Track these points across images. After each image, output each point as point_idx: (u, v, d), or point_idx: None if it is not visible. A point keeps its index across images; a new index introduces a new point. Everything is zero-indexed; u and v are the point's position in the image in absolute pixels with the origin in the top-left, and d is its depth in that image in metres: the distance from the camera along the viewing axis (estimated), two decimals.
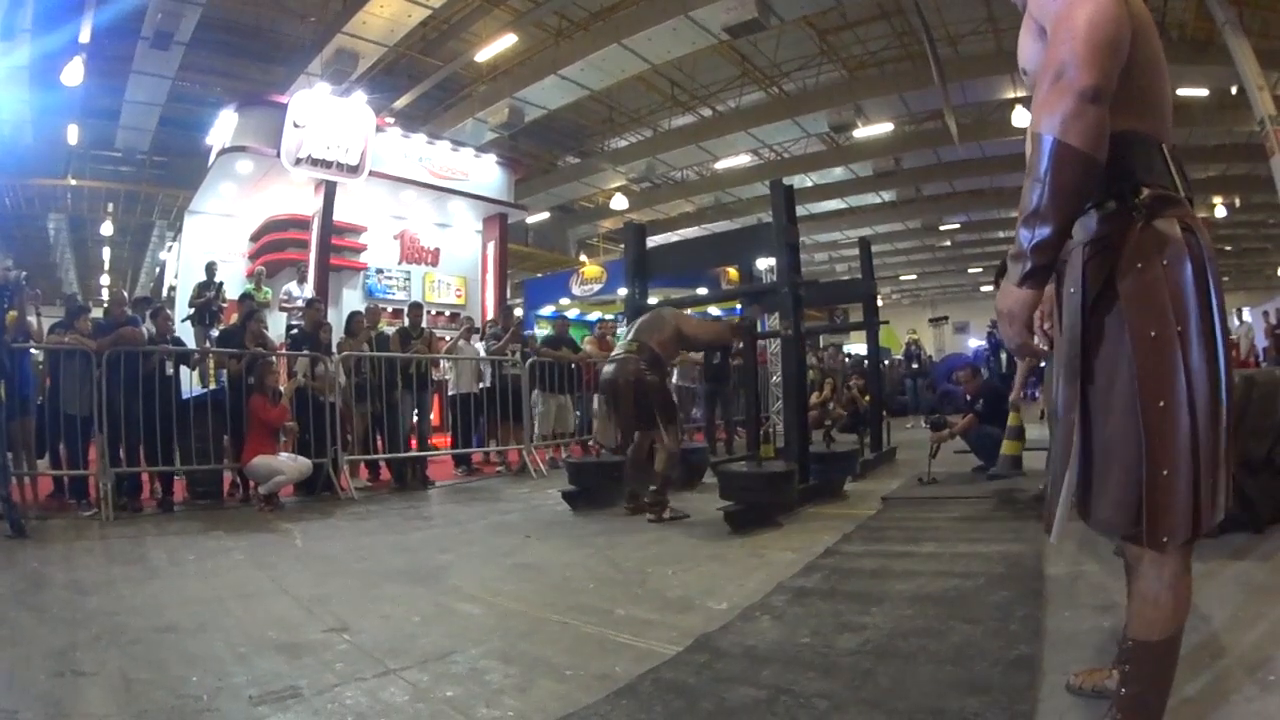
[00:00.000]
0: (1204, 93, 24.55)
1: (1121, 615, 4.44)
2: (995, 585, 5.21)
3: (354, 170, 20.64)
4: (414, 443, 13.49)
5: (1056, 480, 2.87)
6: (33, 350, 11.00)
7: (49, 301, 21.48)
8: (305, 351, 12.54)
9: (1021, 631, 4.59)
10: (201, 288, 18.40)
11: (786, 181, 10.52)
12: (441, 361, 15.66)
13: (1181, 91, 24.43)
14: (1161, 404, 2.53)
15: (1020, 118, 25.86)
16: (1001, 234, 42.92)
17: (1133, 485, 2.58)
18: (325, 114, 20.39)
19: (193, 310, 18.21)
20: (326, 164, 20.15)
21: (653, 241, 12.52)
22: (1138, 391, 2.56)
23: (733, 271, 22.41)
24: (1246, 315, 30.90)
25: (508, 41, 23.99)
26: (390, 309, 21.31)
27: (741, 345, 12.40)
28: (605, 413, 9.87)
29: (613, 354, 9.97)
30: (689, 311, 11.61)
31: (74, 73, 20.44)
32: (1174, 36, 22.57)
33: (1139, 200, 2.65)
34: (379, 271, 23.47)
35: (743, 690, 4.07)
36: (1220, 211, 36.69)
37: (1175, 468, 2.51)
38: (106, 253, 44.42)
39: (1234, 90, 21.68)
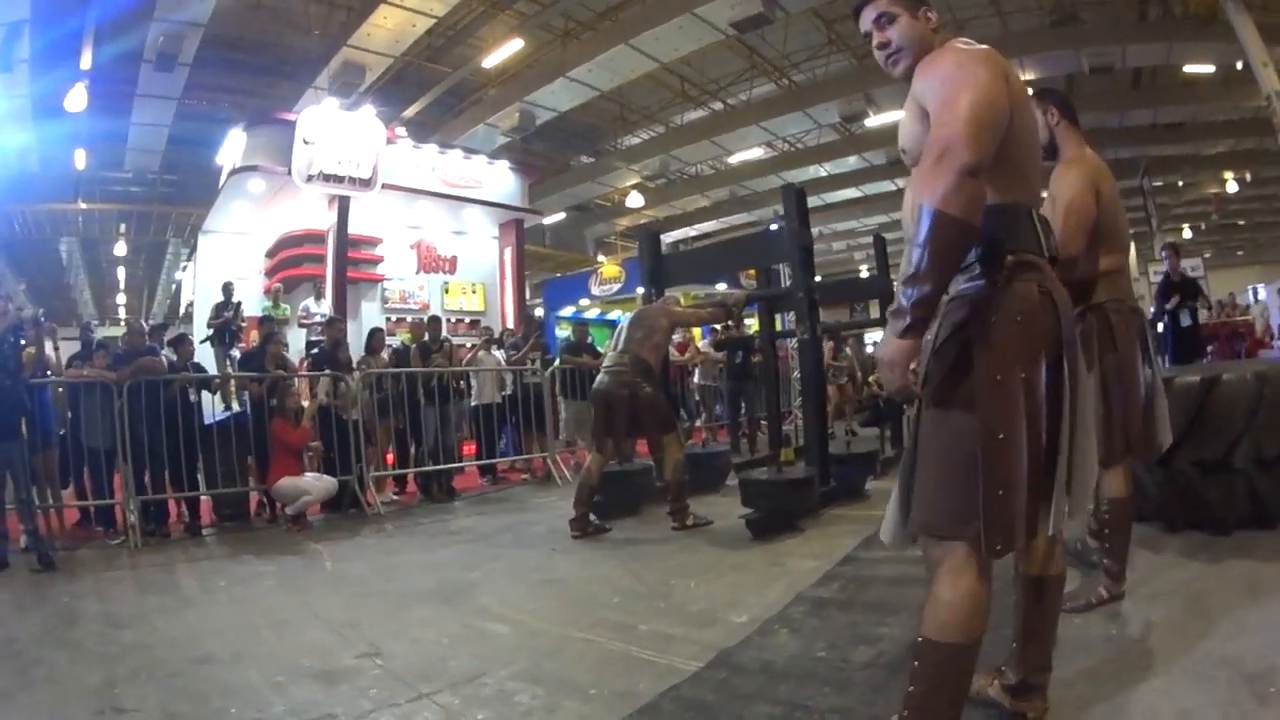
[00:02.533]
0: (1210, 69, 24.40)
1: (1128, 621, 4.58)
2: (1010, 590, 5.31)
3: (366, 184, 20.75)
4: (439, 455, 13.45)
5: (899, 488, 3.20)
6: (52, 379, 11.03)
7: (65, 323, 21.56)
8: (326, 371, 12.58)
9: None
10: (219, 308, 18.46)
11: (800, 173, 10.54)
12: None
13: (1188, 68, 24.65)
14: (1001, 436, 2.84)
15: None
16: None
17: (961, 497, 2.88)
18: (335, 129, 20.50)
19: (211, 331, 18.29)
20: (339, 179, 20.24)
21: (670, 237, 12.62)
22: (979, 424, 2.87)
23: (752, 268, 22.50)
24: (1262, 293, 30.73)
25: (515, 46, 23.94)
26: (409, 318, 21.35)
27: (759, 343, 12.46)
28: (598, 423, 9.72)
29: (604, 363, 9.86)
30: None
31: (77, 99, 20.50)
32: (1177, 13, 22.49)
33: (999, 266, 2.98)
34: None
35: (759, 707, 4.15)
36: (1232, 187, 36.60)
37: (1011, 489, 2.84)
38: (121, 272, 44.44)
39: (1239, 66, 21.59)
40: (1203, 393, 6.52)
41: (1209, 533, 6.37)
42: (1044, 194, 4.03)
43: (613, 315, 30.28)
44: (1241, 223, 46.90)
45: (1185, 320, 14.77)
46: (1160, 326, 16.18)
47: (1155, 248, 36.27)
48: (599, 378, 9.67)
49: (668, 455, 9.36)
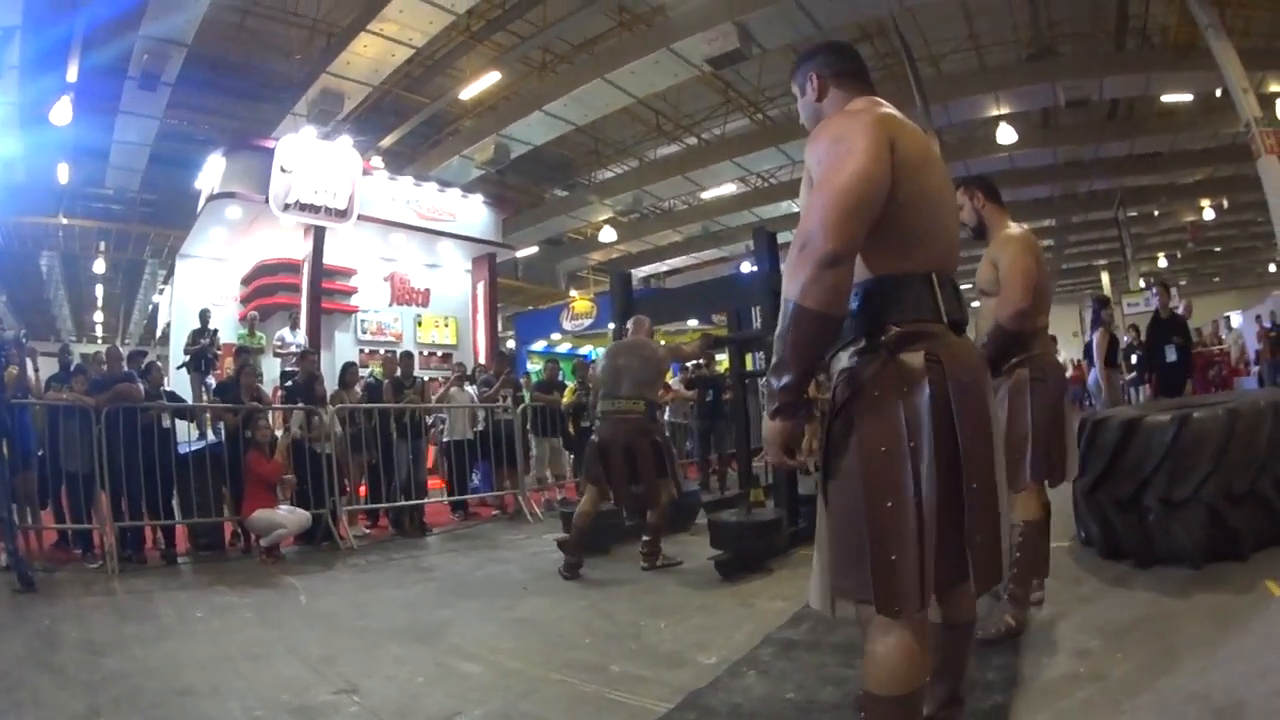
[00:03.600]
0: (1189, 97, 24.62)
1: (1097, 659, 4.72)
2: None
3: (342, 214, 20.87)
4: (411, 490, 13.50)
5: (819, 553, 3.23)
6: (31, 401, 11.06)
7: (44, 338, 21.50)
8: (299, 404, 12.66)
9: (998, 680, 4.71)
10: (196, 335, 18.49)
11: (773, 208, 10.67)
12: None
13: (1166, 98, 24.84)
14: (889, 504, 2.92)
15: (1005, 134, 26.11)
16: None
17: (860, 563, 2.94)
18: (312, 158, 20.62)
19: (188, 358, 18.31)
20: (315, 209, 20.36)
21: (642, 271, 12.67)
22: (863, 494, 2.96)
23: None
24: (1236, 321, 30.84)
25: (492, 79, 23.99)
26: (383, 349, 21.39)
27: (730, 381, 12.53)
28: (602, 467, 9.34)
29: (608, 406, 9.54)
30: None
31: (62, 112, 20.41)
32: (1156, 42, 22.76)
33: (885, 339, 3.06)
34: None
35: None
36: (1209, 214, 36.72)
37: (902, 553, 2.88)
38: (99, 290, 44.00)
39: (1218, 93, 21.76)
40: (1174, 430, 6.70)
41: (1181, 568, 6.51)
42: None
43: (584, 350, 30.42)
44: (1218, 249, 47.05)
45: (1171, 356, 14.97)
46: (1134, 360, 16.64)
47: (1130, 278, 36.49)
48: (608, 421, 9.48)
49: (661, 498, 9.33)
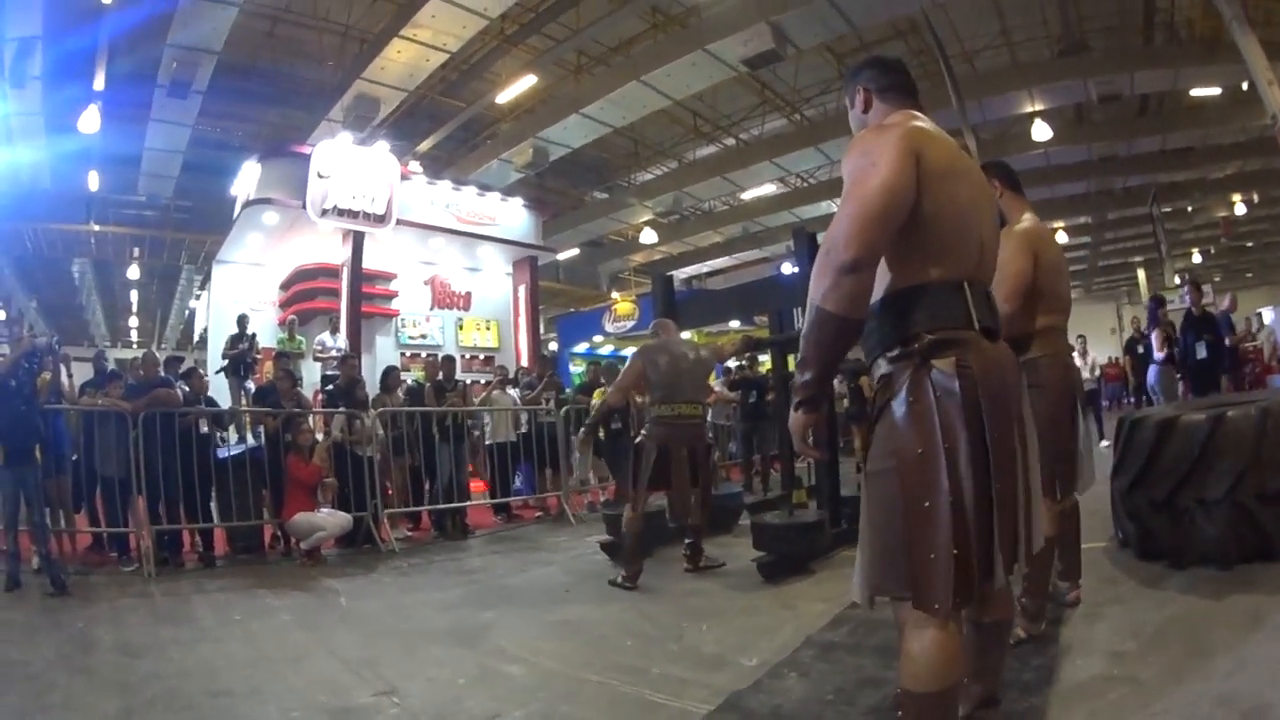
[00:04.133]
0: (1216, 92, 24.49)
1: (1130, 662, 4.70)
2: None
3: (381, 220, 20.78)
4: (454, 493, 13.45)
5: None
6: (65, 406, 11.08)
7: (77, 343, 21.52)
8: (341, 409, 12.64)
9: (1034, 681, 4.74)
10: (234, 339, 18.47)
11: (813, 209, 10.55)
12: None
13: (1195, 92, 24.74)
14: (926, 504, 3.04)
15: (1039, 131, 26.03)
16: None
17: (898, 561, 3.09)
18: (349, 163, 20.55)
19: (226, 362, 18.33)
20: (353, 214, 20.27)
21: (683, 273, 12.52)
22: (900, 495, 3.10)
23: None
24: (1268, 317, 30.51)
25: (528, 82, 23.96)
26: (424, 353, 21.39)
27: (772, 383, 12.41)
28: (664, 472, 9.04)
29: (666, 412, 9.14)
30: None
31: (90, 120, 20.41)
32: (1183, 37, 22.71)
33: (918, 346, 3.20)
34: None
35: None
36: (1240, 209, 36.49)
37: (939, 551, 2.99)
38: (134, 296, 44.31)
39: (1245, 86, 21.58)
40: (1208, 430, 6.61)
41: (1214, 568, 6.40)
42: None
43: (626, 351, 30.33)
44: (1250, 244, 46.84)
45: (1201, 353, 14.85)
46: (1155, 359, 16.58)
47: (1166, 275, 36.17)
48: (670, 426, 9.12)
49: (706, 500, 9.31)
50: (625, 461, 9.84)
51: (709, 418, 12.00)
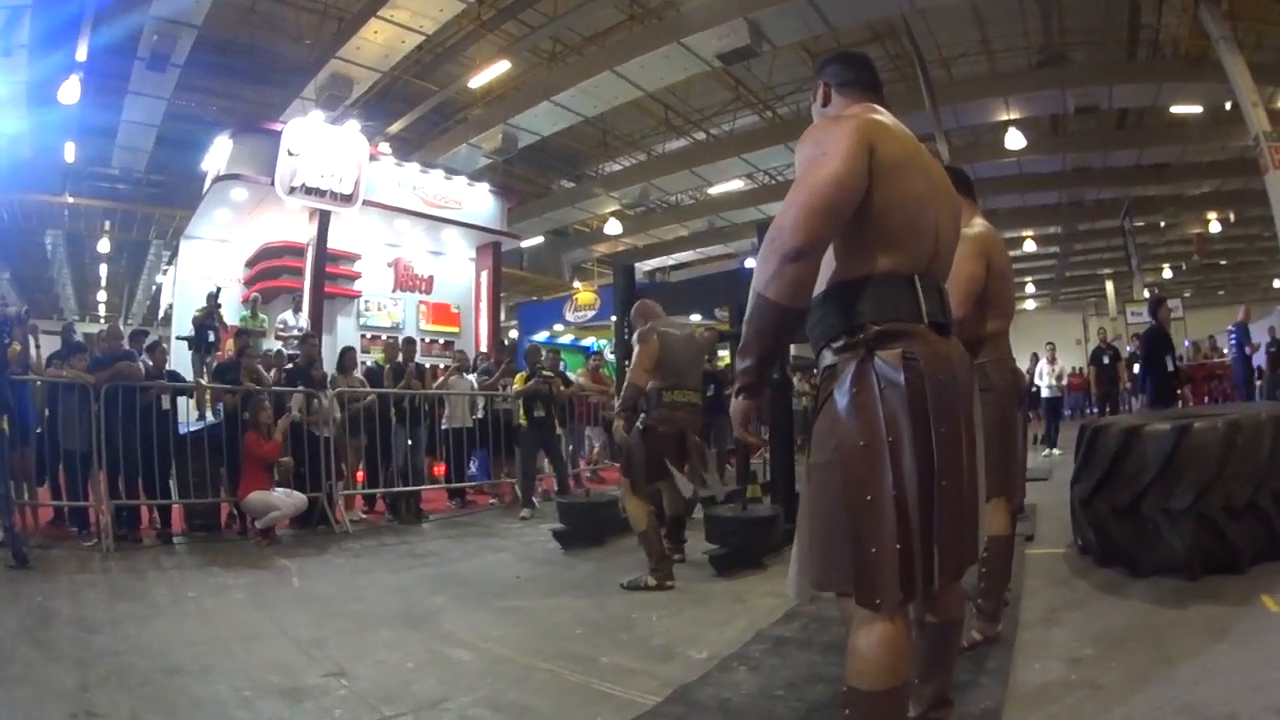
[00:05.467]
0: (1198, 109, 24.63)
1: (1090, 667, 4.71)
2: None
3: (348, 199, 20.71)
4: (409, 476, 13.52)
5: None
6: (31, 377, 11.08)
7: (46, 316, 21.45)
8: (300, 388, 12.66)
9: (989, 685, 4.69)
10: (204, 312, 18.43)
11: (779, 206, 10.59)
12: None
13: (1176, 108, 24.89)
14: (869, 498, 2.98)
15: (1013, 139, 26.19)
16: None
17: (840, 555, 3.04)
18: (319, 142, 20.47)
19: (192, 332, 18.29)
20: (320, 193, 20.19)
21: (646, 265, 12.52)
22: (842, 487, 3.04)
23: None
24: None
25: (501, 68, 24.07)
26: (384, 336, 21.29)
27: (730, 376, 12.41)
28: (664, 462, 8.78)
29: (678, 398, 8.93)
30: None
31: (70, 91, 20.29)
32: (1167, 54, 22.82)
33: (863, 337, 3.14)
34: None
35: None
36: (1215, 227, 36.80)
37: (882, 546, 2.94)
38: (104, 270, 44.11)
39: (1228, 106, 21.72)
40: (1174, 440, 6.70)
41: (1177, 578, 6.49)
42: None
43: (586, 341, 30.40)
44: (1223, 262, 47.03)
45: (1170, 366, 15.12)
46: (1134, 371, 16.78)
47: (1134, 288, 36.35)
48: (680, 410, 8.93)
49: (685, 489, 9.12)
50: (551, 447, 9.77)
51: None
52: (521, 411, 14.14)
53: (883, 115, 3.39)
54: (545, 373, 14.74)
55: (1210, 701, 4.24)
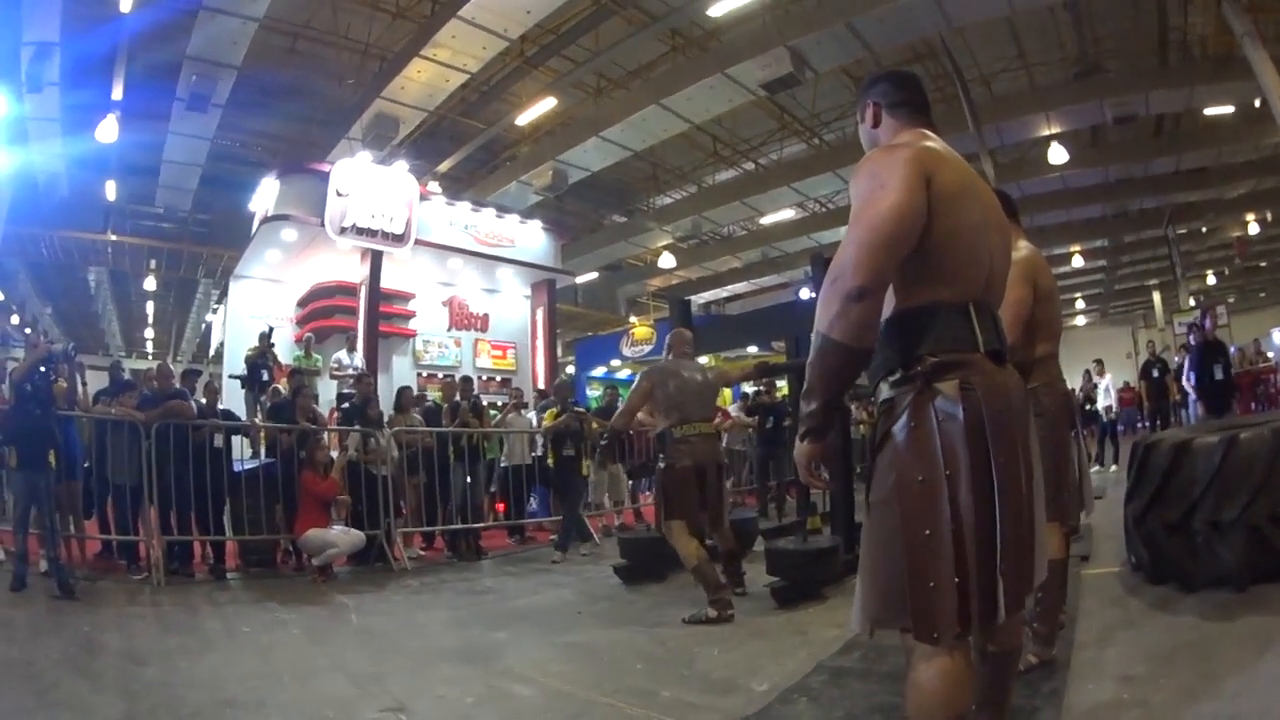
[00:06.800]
0: (1229, 110, 24.41)
1: (1141, 685, 4.71)
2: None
3: (399, 239, 20.85)
4: (468, 513, 13.43)
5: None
6: (79, 413, 11.12)
7: (91, 351, 21.50)
8: (356, 427, 12.63)
9: (1045, 709, 4.69)
10: (256, 354, 18.56)
11: (832, 234, 10.47)
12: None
13: (1208, 111, 24.69)
14: (927, 532, 2.92)
15: (1056, 154, 26.09)
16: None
17: (898, 591, 2.97)
18: (368, 182, 20.63)
19: (245, 371, 18.39)
20: (371, 233, 20.36)
21: (701, 298, 12.46)
22: (901, 524, 2.98)
23: None
24: (1279, 338, 30.47)
25: (548, 105, 24.18)
26: (440, 375, 21.41)
27: (790, 408, 12.30)
28: (695, 496, 8.75)
29: (689, 432, 8.84)
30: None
31: (108, 130, 20.52)
32: (1196, 54, 22.81)
33: (920, 369, 3.07)
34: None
35: None
36: (1254, 228, 36.55)
37: (940, 580, 2.88)
38: (150, 307, 44.40)
39: (1257, 103, 21.55)
40: (1222, 453, 6.62)
41: (1226, 591, 6.40)
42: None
43: None
44: (1263, 264, 46.63)
45: (1219, 374, 14.99)
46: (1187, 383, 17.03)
47: (1181, 296, 36.21)
48: (695, 443, 8.83)
49: (719, 520, 9.05)
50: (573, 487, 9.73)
51: (723, 443, 11.88)
52: (550, 449, 14.02)
53: (936, 143, 3.33)
54: (577, 408, 14.75)
55: (1249, 711, 4.28)
